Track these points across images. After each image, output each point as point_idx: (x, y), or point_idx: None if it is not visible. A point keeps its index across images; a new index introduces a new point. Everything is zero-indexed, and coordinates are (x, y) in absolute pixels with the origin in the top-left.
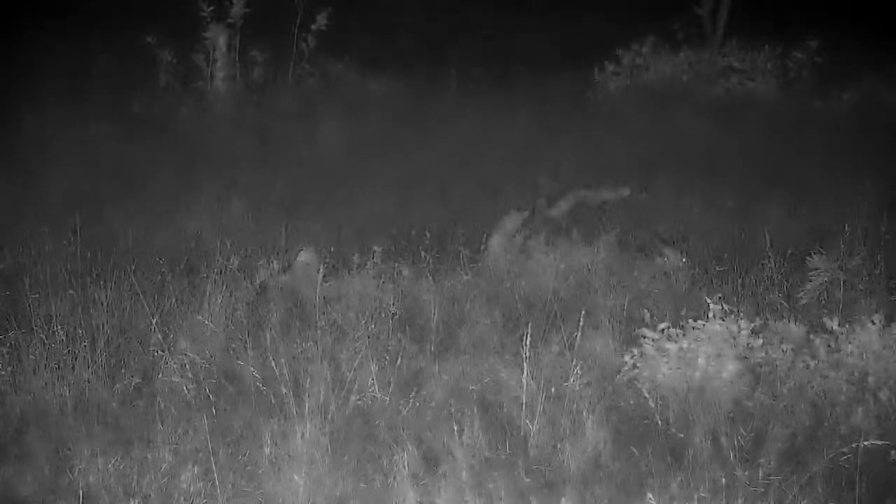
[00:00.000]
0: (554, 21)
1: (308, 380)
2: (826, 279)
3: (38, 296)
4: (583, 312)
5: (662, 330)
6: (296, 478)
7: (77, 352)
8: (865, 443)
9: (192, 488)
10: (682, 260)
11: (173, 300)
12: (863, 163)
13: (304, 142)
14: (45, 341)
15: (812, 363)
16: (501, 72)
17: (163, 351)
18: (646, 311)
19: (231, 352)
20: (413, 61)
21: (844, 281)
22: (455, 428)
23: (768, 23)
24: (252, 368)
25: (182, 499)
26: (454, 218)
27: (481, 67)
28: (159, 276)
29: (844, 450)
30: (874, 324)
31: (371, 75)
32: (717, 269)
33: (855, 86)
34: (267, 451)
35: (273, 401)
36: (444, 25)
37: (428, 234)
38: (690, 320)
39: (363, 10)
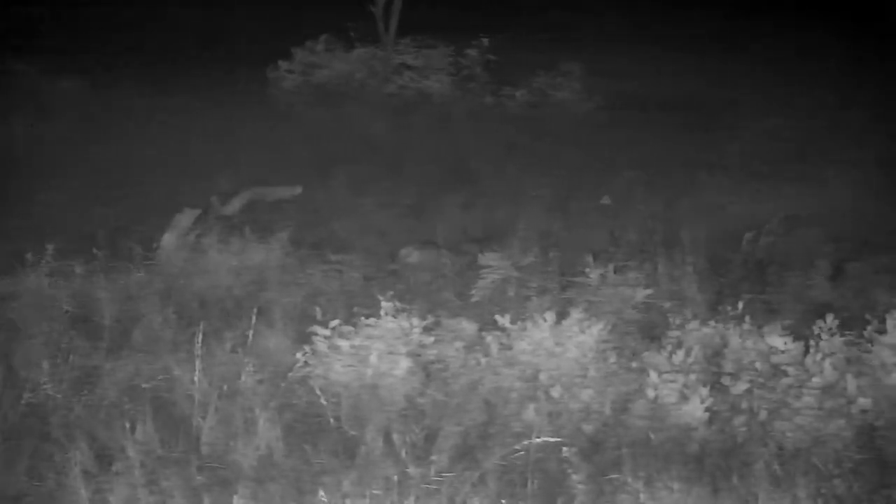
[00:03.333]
0: (234, 17)
1: None
2: (499, 277)
3: None
4: (256, 310)
5: (334, 327)
6: None
7: None
8: (538, 439)
9: None
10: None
11: None
12: (537, 161)
13: None
14: None
15: (484, 360)
16: (183, 69)
17: None
18: (318, 308)
19: None
20: (101, 58)
21: (517, 278)
22: (128, 426)
23: (442, 20)
24: None
25: None
26: (129, 215)
27: (165, 64)
28: None
29: (517, 447)
30: (546, 321)
31: (56, 73)
32: (391, 266)
33: (528, 84)
34: None
35: None
36: (130, 22)
37: (102, 232)
38: (363, 318)
39: (49, 6)
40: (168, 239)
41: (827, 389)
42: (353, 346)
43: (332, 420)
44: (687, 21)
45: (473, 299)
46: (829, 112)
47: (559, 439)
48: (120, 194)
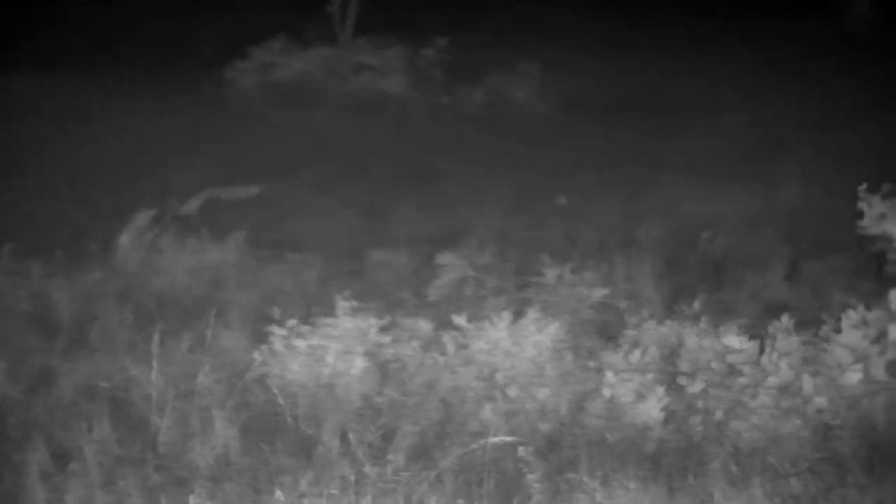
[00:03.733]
0: (190, 17)
1: None
2: (455, 276)
3: None
4: (214, 310)
5: (292, 327)
6: None
7: None
8: (494, 439)
9: None
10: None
11: None
12: (494, 161)
13: None
14: None
15: (441, 359)
16: (140, 69)
17: None
18: (276, 307)
19: None
20: (56, 59)
21: (474, 278)
22: (85, 425)
23: (399, 20)
24: None
25: None
26: (88, 216)
27: (122, 65)
28: None
29: (474, 446)
30: (503, 320)
31: (11, 73)
32: (349, 266)
33: (485, 84)
34: None
35: None
36: (85, 23)
37: (60, 232)
38: (321, 317)
39: (2, 5)
40: (125, 239)
41: (783, 389)
42: (310, 346)
43: (289, 419)
44: (647, 21)
45: (430, 298)
46: (785, 112)
47: (516, 438)
48: (78, 194)
